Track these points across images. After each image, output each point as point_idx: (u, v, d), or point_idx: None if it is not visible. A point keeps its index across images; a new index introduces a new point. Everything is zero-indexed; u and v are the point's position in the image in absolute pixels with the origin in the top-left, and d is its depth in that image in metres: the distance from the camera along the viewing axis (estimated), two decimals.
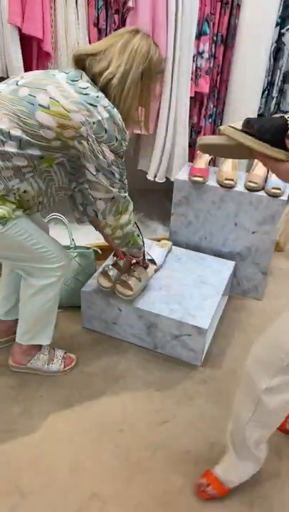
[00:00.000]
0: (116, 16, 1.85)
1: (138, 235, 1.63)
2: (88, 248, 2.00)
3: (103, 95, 1.29)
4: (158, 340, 1.82)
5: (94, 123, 1.26)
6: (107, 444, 1.48)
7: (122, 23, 1.87)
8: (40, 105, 1.24)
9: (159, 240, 2.17)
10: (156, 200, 2.67)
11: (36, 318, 1.59)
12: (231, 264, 2.08)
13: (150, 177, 2.25)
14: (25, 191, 1.35)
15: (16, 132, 1.24)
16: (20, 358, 1.67)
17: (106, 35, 1.87)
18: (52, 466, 1.40)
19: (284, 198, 1.94)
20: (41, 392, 1.63)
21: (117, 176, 1.37)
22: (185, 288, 1.90)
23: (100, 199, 1.40)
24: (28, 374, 1.68)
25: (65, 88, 1.25)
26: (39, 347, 1.68)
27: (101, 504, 1.31)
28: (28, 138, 1.26)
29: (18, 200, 1.36)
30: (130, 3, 1.80)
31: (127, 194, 1.46)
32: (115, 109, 1.29)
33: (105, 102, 1.28)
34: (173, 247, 2.15)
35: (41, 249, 1.45)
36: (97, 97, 1.27)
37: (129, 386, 1.68)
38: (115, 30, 1.86)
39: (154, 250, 2.03)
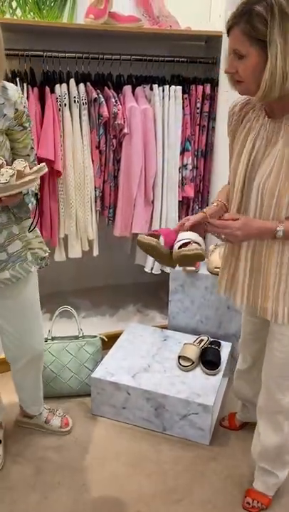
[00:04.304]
0: (114, 140, 2.24)
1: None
2: (95, 336, 2.15)
3: None
4: (166, 421, 1.90)
5: None
6: None
7: (119, 145, 2.25)
8: None
9: (163, 328, 2.34)
10: (152, 291, 2.89)
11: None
12: (228, 345, 2.24)
13: (147, 269, 2.49)
14: None
15: None
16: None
17: (106, 156, 2.25)
18: None
19: None
20: (58, 479, 1.67)
21: None
22: None
23: None
24: (44, 462, 1.73)
25: None
26: None
27: None
28: None
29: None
30: (126, 130, 2.20)
31: None
32: None
33: None
34: (172, 331, 2.33)
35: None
36: None
37: (142, 468, 1.74)
38: (114, 151, 2.25)
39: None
